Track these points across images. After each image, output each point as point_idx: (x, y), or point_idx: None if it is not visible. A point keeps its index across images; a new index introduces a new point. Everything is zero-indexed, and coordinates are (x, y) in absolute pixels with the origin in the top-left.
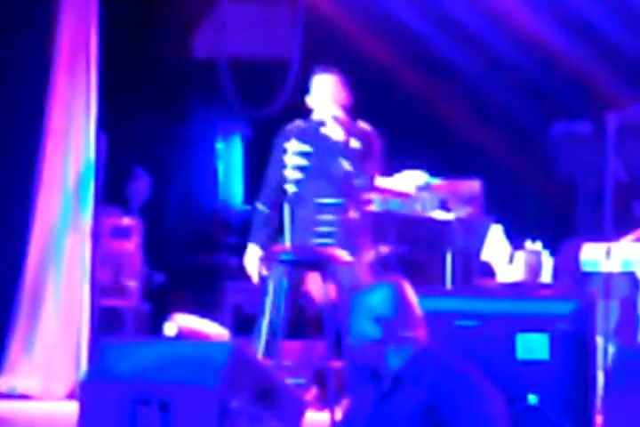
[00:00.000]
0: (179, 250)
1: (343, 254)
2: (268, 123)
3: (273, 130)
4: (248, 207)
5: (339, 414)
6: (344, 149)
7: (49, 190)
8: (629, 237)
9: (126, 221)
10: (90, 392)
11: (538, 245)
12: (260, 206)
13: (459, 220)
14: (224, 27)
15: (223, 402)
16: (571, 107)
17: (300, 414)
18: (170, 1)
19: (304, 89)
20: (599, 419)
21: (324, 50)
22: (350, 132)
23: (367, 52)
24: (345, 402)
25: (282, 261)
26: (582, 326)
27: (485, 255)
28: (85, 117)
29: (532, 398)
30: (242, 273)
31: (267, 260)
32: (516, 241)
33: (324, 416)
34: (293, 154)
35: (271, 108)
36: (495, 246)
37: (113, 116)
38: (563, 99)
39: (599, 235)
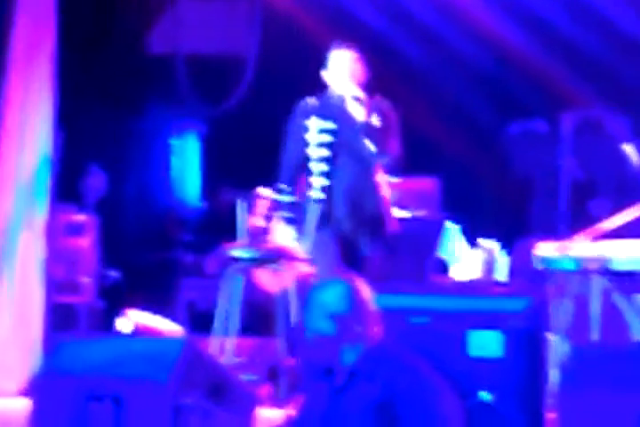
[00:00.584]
0: (133, 247)
1: (298, 250)
2: (224, 120)
3: (229, 126)
4: (203, 204)
5: (293, 411)
6: (367, 129)
7: (3, 187)
8: (583, 236)
9: (81, 217)
10: (42, 388)
11: (493, 244)
12: (282, 186)
13: (415, 218)
14: (181, 23)
15: (176, 398)
16: (528, 106)
17: (252, 410)
18: None
19: (260, 86)
20: (551, 416)
21: (282, 47)
22: (369, 108)
23: (324, 49)
24: (299, 399)
25: (235, 259)
26: (535, 324)
27: (441, 253)
28: (41, 114)
29: (485, 395)
30: (196, 270)
31: (219, 257)
32: (471, 239)
33: (277, 413)
34: (318, 131)
35: (227, 104)
36: (450, 244)
37: (68, 112)
38: (520, 97)
39: (554, 233)
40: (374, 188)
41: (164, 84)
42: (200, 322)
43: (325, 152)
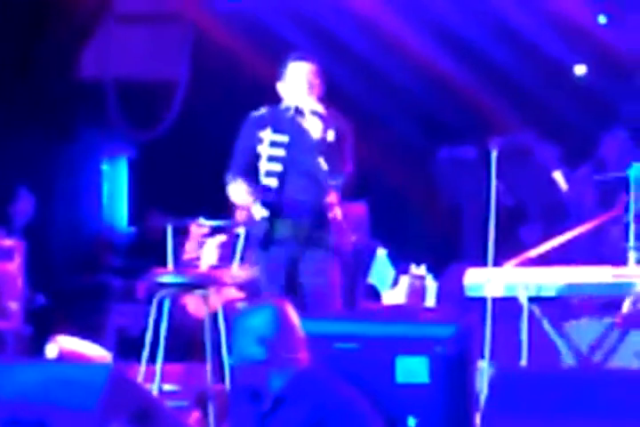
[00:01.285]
0: (62, 271)
1: (225, 275)
2: (154, 145)
3: (158, 151)
4: (132, 229)
5: None
6: (321, 146)
7: None
8: (513, 262)
9: (8, 242)
10: None
11: (422, 270)
12: (230, 177)
13: None
14: (110, 47)
15: (101, 424)
16: (457, 131)
17: None
18: (57, 19)
19: (190, 111)
20: None
21: (212, 72)
22: (327, 124)
23: (255, 73)
24: (227, 424)
25: (164, 284)
26: (461, 350)
27: (370, 279)
28: None
29: (412, 421)
30: (126, 295)
31: (148, 282)
32: (400, 265)
33: None
34: (270, 144)
35: (157, 130)
36: (380, 270)
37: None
38: (449, 123)
39: (483, 260)
40: (325, 208)
41: (95, 109)
42: (130, 348)
43: (276, 167)
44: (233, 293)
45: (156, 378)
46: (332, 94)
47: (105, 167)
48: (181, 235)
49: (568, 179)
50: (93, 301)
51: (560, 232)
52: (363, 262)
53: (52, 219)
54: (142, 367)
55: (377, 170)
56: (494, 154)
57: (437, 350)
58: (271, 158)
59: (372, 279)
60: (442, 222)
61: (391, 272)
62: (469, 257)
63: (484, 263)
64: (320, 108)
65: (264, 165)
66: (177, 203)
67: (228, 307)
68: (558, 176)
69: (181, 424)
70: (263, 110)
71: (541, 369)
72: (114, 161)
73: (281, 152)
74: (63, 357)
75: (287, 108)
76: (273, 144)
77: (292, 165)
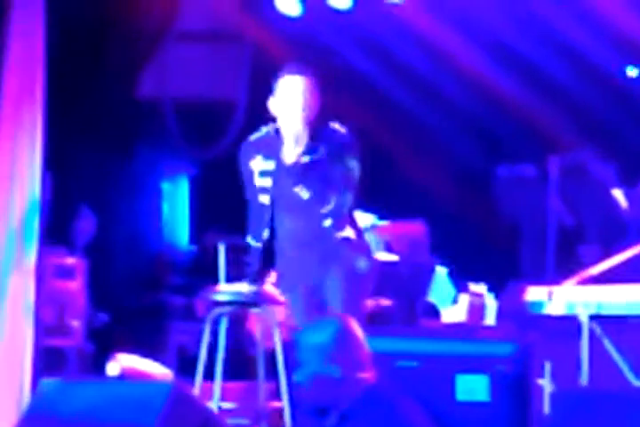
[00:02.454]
0: (123, 290)
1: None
2: (214, 162)
3: (219, 169)
4: (193, 247)
5: None
6: (298, 174)
7: None
8: (573, 280)
9: (70, 260)
10: None
11: (482, 288)
12: (250, 241)
13: (403, 261)
14: (169, 67)
15: None
16: (516, 150)
17: None
18: (117, 41)
19: (250, 129)
20: None
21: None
22: (310, 146)
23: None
24: None
25: (218, 302)
26: (522, 368)
27: (430, 297)
28: (31, 156)
29: None
30: (186, 313)
31: (205, 300)
32: (460, 283)
33: None
34: (259, 174)
35: (216, 149)
36: (440, 288)
37: (59, 155)
38: (508, 141)
39: (542, 278)
40: (326, 236)
41: (155, 128)
42: (191, 366)
43: (265, 199)
44: (283, 311)
45: (214, 396)
46: (391, 113)
47: (165, 186)
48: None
49: (627, 196)
50: (154, 319)
51: (620, 250)
52: (422, 281)
53: (114, 237)
54: (199, 385)
55: (437, 189)
56: (553, 172)
57: (498, 368)
58: (261, 190)
59: (432, 297)
60: (501, 240)
61: (451, 290)
62: (529, 275)
63: (543, 281)
64: (303, 127)
65: (260, 197)
66: (238, 220)
67: (285, 325)
68: (617, 194)
69: None
70: (253, 136)
71: (602, 388)
72: (174, 179)
73: (268, 182)
74: (124, 375)
75: (274, 130)
76: (261, 174)
77: (276, 194)
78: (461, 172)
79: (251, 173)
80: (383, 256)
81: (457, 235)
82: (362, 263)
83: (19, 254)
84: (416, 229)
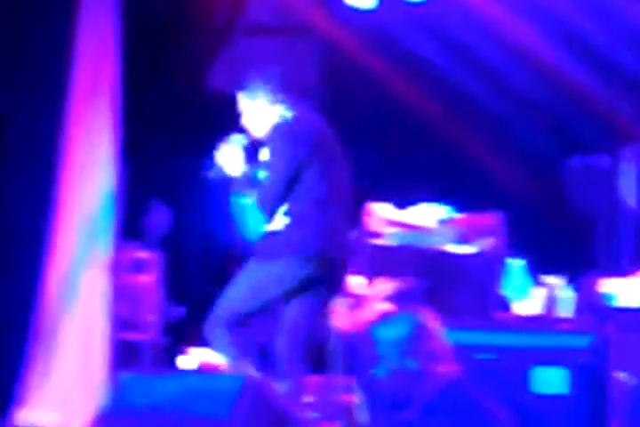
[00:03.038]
0: (198, 283)
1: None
2: None
3: None
4: None
5: None
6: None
7: (67, 225)
8: None
9: (145, 254)
10: (107, 425)
11: (557, 279)
12: None
13: (479, 253)
14: (240, 61)
15: None
16: (589, 140)
17: None
18: (188, 35)
19: None
20: None
21: (342, 83)
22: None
23: (386, 86)
24: None
25: None
26: (601, 361)
27: (505, 289)
28: (105, 151)
29: None
30: None
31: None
32: (535, 275)
33: None
34: None
35: None
36: (516, 280)
37: (133, 149)
38: (581, 132)
39: (618, 269)
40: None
41: (226, 121)
42: (266, 359)
43: None
44: (378, 306)
45: (294, 390)
46: (464, 105)
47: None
48: None
49: None
50: None
51: None
52: (495, 273)
53: (188, 231)
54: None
55: (511, 180)
56: (627, 162)
57: (577, 360)
58: None
59: (508, 290)
60: (577, 232)
61: (527, 283)
62: (604, 267)
63: (618, 273)
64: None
65: None
66: None
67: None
68: None
69: None
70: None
71: None
72: None
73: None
74: (199, 368)
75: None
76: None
77: None
78: (536, 163)
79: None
80: (458, 248)
81: (533, 227)
82: None
83: (93, 249)
84: (491, 220)
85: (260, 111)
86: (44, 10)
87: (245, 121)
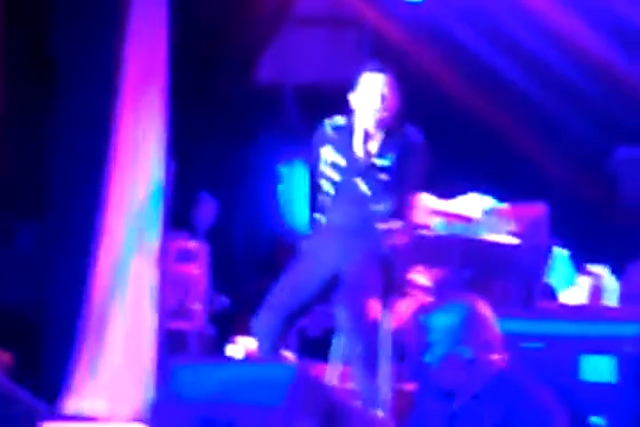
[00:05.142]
0: (243, 273)
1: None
2: None
3: None
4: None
5: None
6: (364, 170)
7: (117, 215)
8: None
9: (192, 244)
10: (158, 414)
11: (602, 269)
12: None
13: (524, 243)
14: (288, 53)
15: (290, 423)
16: (635, 131)
17: None
18: (238, 24)
19: None
20: None
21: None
22: (384, 146)
23: (434, 78)
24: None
25: None
26: None
27: (550, 278)
28: (154, 142)
29: (597, 420)
30: None
31: None
32: (580, 265)
33: None
34: (326, 164)
35: None
36: (560, 270)
37: (181, 141)
38: (627, 122)
39: None
40: (376, 235)
41: (274, 113)
42: (310, 348)
43: (330, 188)
44: (419, 298)
45: (338, 377)
46: (510, 97)
47: (284, 170)
48: None
49: None
50: None
51: None
52: (541, 262)
53: (234, 222)
54: (330, 368)
55: (556, 170)
56: None
57: (625, 348)
58: (328, 179)
59: (552, 280)
60: (622, 222)
61: (572, 272)
62: None
63: None
64: (375, 125)
65: (324, 184)
66: None
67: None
68: None
69: (368, 423)
70: (328, 123)
71: None
72: (292, 164)
73: (334, 174)
74: (246, 357)
75: (347, 125)
76: (331, 164)
77: (341, 186)
78: (581, 153)
79: (318, 157)
80: (503, 238)
81: (577, 217)
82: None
83: (142, 239)
84: (536, 211)
85: (385, 100)
86: None
87: (363, 103)
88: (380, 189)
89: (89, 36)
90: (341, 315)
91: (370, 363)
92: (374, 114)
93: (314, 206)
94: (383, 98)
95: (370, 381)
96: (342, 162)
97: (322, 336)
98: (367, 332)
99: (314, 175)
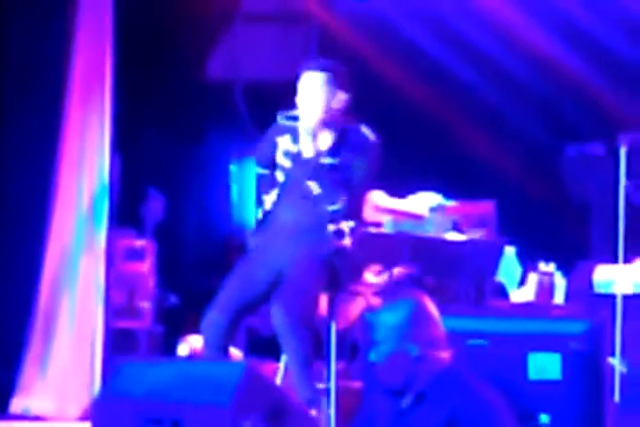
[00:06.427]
0: (192, 272)
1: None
2: None
3: None
4: None
5: None
6: (313, 169)
7: (63, 212)
8: None
9: (140, 242)
10: (102, 411)
11: (551, 267)
12: (259, 169)
13: (472, 241)
14: (237, 50)
15: (235, 421)
16: (584, 128)
17: None
18: (185, 23)
19: None
20: None
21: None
22: (335, 145)
23: (381, 74)
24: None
25: None
26: (594, 346)
27: (498, 276)
28: (100, 139)
29: (544, 418)
30: None
31: None
32: (528, 262)
33: None
34: (283, 153)
35: None
36: (508, 268)
37: (127, 137)
38: (576, 120)
39: (612, 257)
40: (324, 233)
41: (223, 109)
42: (259, 347)
43: (281, 177)
44: (369, 299)
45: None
46: (458, 93)
47: (233, 168)
48: None
49: None
50: None
51: None
52: (490, 261)
53: (183, 220)
54: (278, 366)
55: (505, 168)
56: (623, 150)
57: (571, 346)
58: (281, 168)
59: (500, 277)
60: (570, 220)
61: (519, 270)
62: (598, 254)
63: (612, 260)
64: (318, 126)
65: (278, 173)
66: None
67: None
68: None
69: (313, 422)
70: (288, 113)
71: None
72: (243, 162)
73: (288, 163)
74: (195, 356)
75: (298, 118)
76: (285, 154)
77: (290, 180)
78: (530, 151)
79: (274, 145)
80: (451, 236)
81: (525, 214)
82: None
83: (89, 237)
84: (485, 208)
85: (326, 99)
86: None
87: (304, 102)
88: (330, 188)
89: (34, 34)
90: (277, 314)
91: (305, 363)
92: (317, 113)
93: (259, 200)
94: (321, 97)
95: (305, 381)
96: (294, 151)
97: (273, 336)
98: (303, 332)
99: (261, 167)
